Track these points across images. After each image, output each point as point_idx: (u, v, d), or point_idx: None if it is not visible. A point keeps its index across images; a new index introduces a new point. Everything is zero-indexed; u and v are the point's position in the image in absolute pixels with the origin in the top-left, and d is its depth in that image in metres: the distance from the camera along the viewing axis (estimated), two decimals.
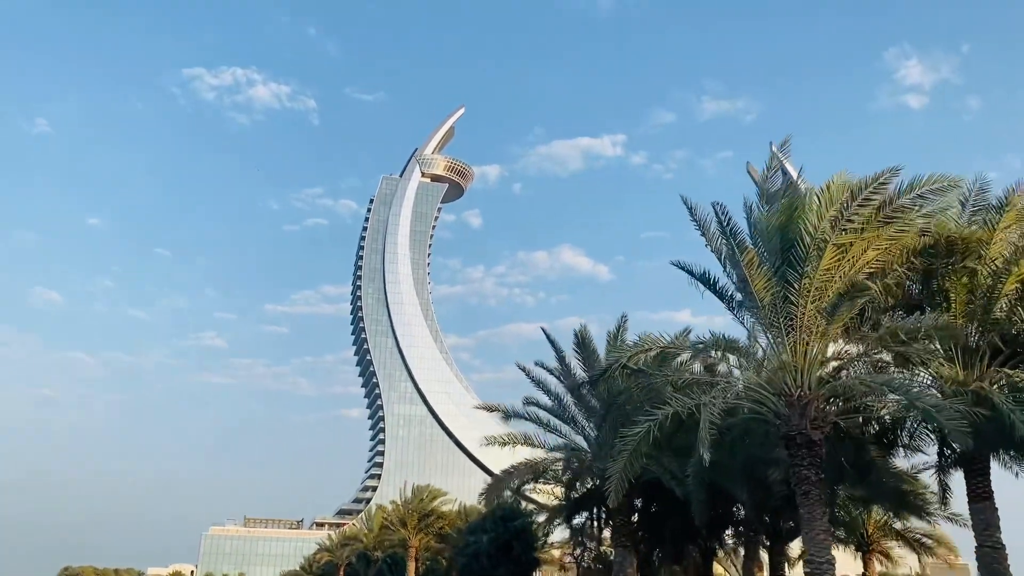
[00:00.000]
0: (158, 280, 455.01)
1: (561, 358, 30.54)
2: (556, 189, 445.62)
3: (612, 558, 28.28)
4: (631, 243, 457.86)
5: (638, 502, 33.25)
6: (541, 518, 45.42)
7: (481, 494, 34.13)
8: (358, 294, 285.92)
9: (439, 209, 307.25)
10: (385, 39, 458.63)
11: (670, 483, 26.08)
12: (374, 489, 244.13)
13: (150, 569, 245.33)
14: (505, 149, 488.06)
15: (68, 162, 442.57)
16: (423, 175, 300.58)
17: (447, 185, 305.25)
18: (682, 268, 21.32)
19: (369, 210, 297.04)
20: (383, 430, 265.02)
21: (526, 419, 30.73)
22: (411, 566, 74.41)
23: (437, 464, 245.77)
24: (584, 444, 30.56)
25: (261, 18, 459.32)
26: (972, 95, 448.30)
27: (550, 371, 30.89)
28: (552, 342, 30.76)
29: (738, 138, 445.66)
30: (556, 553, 54.55)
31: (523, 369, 31.12)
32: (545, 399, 30.93)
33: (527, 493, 41.85)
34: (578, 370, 29.72)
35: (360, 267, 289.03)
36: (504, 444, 31.04)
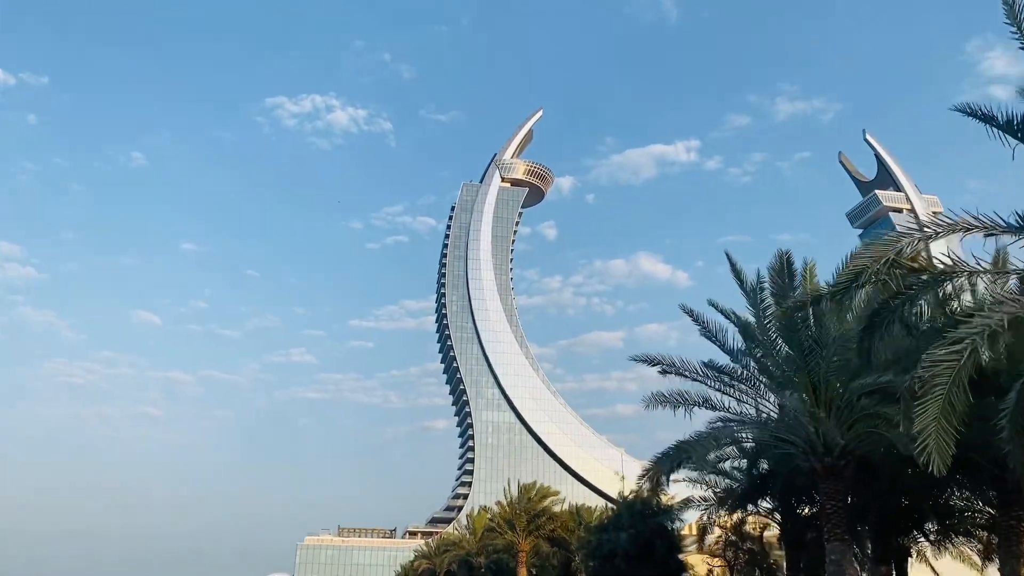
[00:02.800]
0: (248, 300, 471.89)
1: (756, 289, 24.43)
2: (630, 197, 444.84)
3: (829, 554, 22.86)
4: (709, 248, 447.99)
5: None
6: (689, 515, 40.53)
7: (641, 476, 28.74)
8: (442, 302, 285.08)
9: (520, 214, 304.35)
10: (456, 60, 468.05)
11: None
12: (465, 497, 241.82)
13: None
14: (578, 160, 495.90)
15: (162, 191, 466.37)
16: (503, 180, 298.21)
17: (527, 189, 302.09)
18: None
19: (451, 218, 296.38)
20: (472, 437, 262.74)
21: (687, 377, 25.24)
22: (522, 572, 70.09)
23: (527, 471, 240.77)
24: (774, 410, 25.20)
25: (337, 46, 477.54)
26: None
27: (727, 314, 25.56)
28: (734, 266, 25.27)
29: (816, 138, 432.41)
30: (694, 560, 48.64)
31: (689, 313, 26.13)
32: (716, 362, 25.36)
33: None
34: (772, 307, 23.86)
35: (443, 275, 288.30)
36: (677, 405, 25.37)
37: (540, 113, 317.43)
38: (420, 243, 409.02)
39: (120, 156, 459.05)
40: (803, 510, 35.23)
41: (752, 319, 24.22)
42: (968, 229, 14.70)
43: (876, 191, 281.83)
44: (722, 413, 25.21)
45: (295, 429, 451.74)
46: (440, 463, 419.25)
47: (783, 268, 23.43)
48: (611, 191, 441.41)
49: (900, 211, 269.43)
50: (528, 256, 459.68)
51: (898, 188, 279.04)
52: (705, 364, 25.11)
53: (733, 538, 41.99)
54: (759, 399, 24.96)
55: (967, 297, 20.86)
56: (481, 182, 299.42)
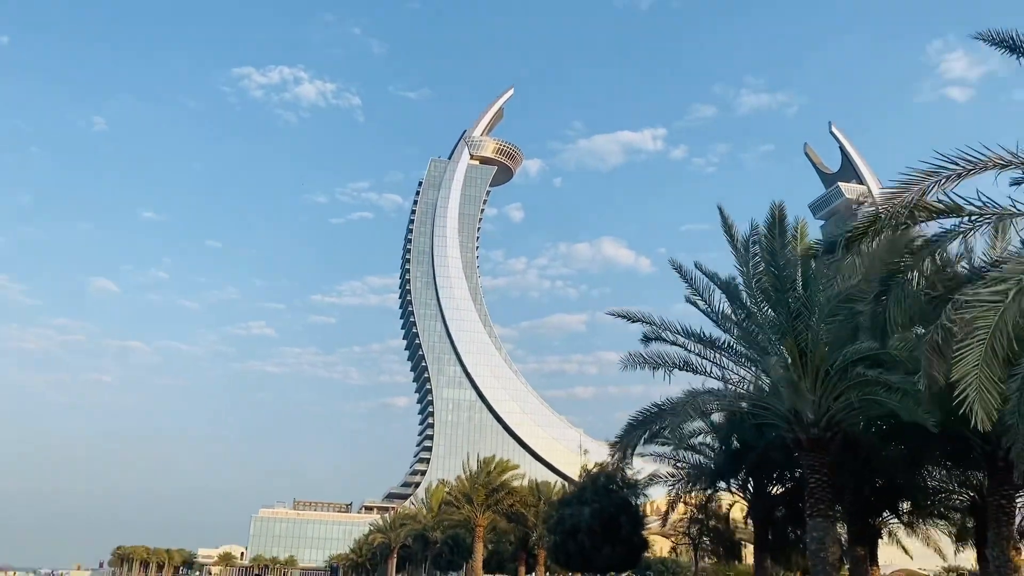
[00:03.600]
0: (209, 271, 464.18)
1: (747, 244, 22.41)
2: (597, 182, 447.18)
3: (811, 531, 21.27)
4: (673, 235, 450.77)
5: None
6: (654, 491, 39.02)
7: (613, 444, 26.98)
8: (407, 277, 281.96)
9: (488, 192, 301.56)
10: (428, 38, 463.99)
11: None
12: (423, 473, 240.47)
13: (201, 550, 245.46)
14: (546, 144, 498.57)
15: (124, 158, 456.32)
16: (472, 157, 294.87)
17: (496, 168, 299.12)
18: None
19: (418, 193, 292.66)
20: (431, 415, 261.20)
21: (667, 342, 23.48)
22: (478, 547, 68.65)
23: (486, 449, 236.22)
24: (756, 379, 23.50)
25: (307, 18, 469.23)
26: (1018, 88, 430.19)
27: (711, 276, 23.72)
28: (725, 220, 23.36)
29: (779, 131, 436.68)
30: (656, 538, 47.06)
31: (678, 269, 24.16)
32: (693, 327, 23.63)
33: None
34: (762, 265, 22.02)
35: (408, 250, 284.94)
36: (656, 366, 23.49)
37: (511, 92, 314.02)
38: (385, 220, 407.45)
39: (81, 120, 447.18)
40: (774, 488, 34.12)
41: (740, 279, 22.62)
42: (1004, 166, 13.13)
43: (839, 183, 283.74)
44: (704, 377, 23.61)
45: (252, 401, 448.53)
46: (400, 440, 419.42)
47: (776, 223, 21.81)
48: (579, 176, 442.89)
49: (862, 203, 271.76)
50: (494, 237, 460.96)
51: (861, 181, 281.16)
52: (687, 330, 23.44)
53: (699, 516, 40.69)
54: (741, 366, 23.42)
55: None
56: (450, 159, 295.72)
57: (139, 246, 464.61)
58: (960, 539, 35.70)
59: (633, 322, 24.04)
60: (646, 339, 23.79)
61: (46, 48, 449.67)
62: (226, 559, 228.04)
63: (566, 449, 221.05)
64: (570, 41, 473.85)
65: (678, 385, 24.64)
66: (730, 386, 24.03)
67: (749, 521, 37.70)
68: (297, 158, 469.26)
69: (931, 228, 15.41)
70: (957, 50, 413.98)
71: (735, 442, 31.68)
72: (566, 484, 69.28)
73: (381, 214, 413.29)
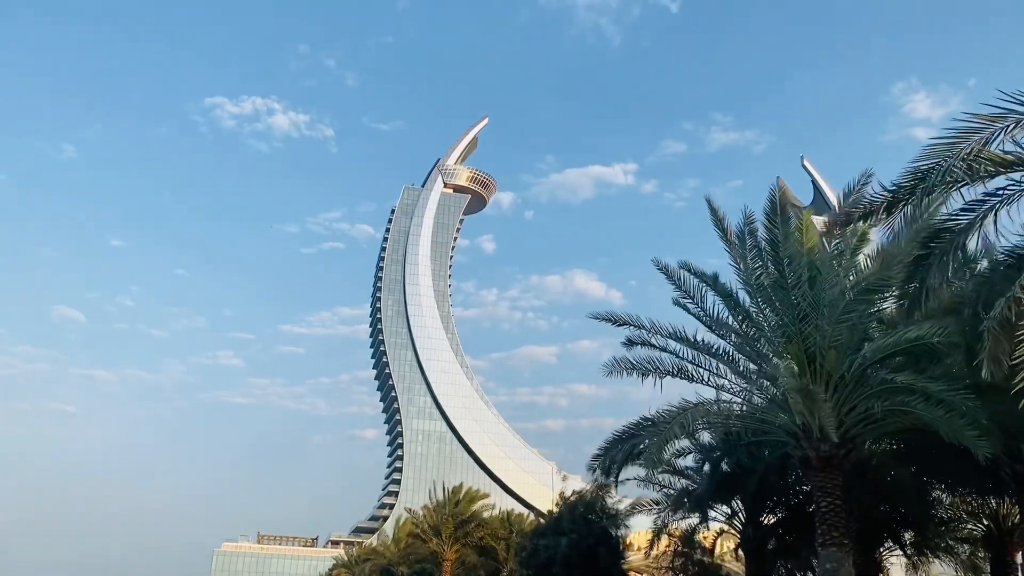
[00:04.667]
0: (177, 300, 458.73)
1: (741, 236, 19.63)
2: (568, 216, 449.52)
3: (823, 562, 18.28)
4: (644, 269, 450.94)
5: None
6: (635, 521, 36.00)
7: (591, 462, 23.69)
8: (377, 306, 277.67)
9: (461, 221, 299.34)
10: (401, 71, 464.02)
11: None
12: (391, 507, 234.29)
13: None
14: (518, 176, 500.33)
15: (93, 186, 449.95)
16: (445, 185, 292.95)
17: (469, 196, 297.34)
18: None
19: (390, 220, 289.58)
20: (401, 446, 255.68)
21: (656, 347, 20.69)
22: None
23: (457, 482, 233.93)
24: (755, 390, 20.49)
25: (281, 50, 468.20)
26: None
27: (702, 277, 20.84)
28: (715, 212, 20.68)
29: (747, 167, 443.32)
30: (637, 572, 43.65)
31: (663, 270, 21.26)
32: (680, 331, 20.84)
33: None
34: (760, 259, 19.14)
35: (380, 278, 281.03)
36: (645, 373, 20.59)
37: (485, 121, 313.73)
38: (357, 250, 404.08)
39: (49, 148, 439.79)
40: (766, 517, 31.34)
41: (737, 278, 20.02)
42: None
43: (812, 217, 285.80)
44: (697, 388, 20.90)
45: (217, 432, 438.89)
46: (368, 473, 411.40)
47: (776, 209, 19.29)
48: (550, 209, 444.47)
49: (831, 228, 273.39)
50: (466, 268, 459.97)
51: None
52: (679, 333, 20.71)
53: (684, 548, 37.58)
54: (739, 375, 20.79)
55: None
56: (423, 187, 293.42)
57: (106, 274, 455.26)
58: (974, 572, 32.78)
59: (619, 325, 21.39)
60: (630, 343, 21.08)
61: (15, 75, 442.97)
62: None
63: (538, 483, 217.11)
64: (542, 77, 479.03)
65: (661, 402, 21.96)
66: (725, 400, 21.33)
67: (737, 554, 34.88)
68: (268, 188, 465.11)
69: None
70: (920, 91, 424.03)
71: (726, 466, 28.81)
72: (539, 518, 66.10)
73: (353, 244, 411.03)
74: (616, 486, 28.22)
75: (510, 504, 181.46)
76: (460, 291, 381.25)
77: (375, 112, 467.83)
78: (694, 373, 21.05)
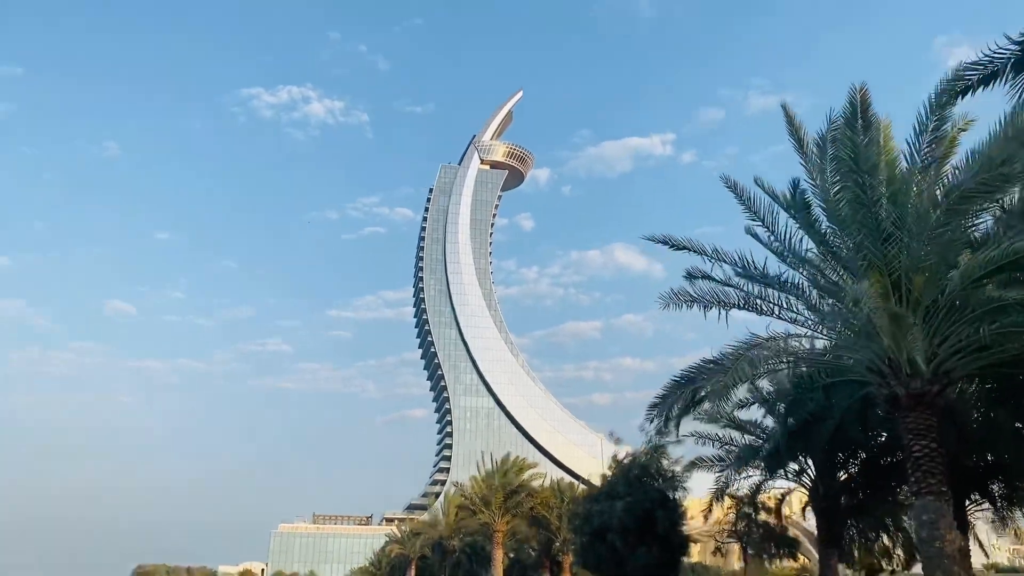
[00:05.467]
0: (224, 290, 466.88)
1: (821, 145, 17.29)
2: (606, 189, 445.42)
3: (919, 514, 16.09)
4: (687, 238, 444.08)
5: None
6: (694, 482, 33.81)
7: (648, 411, 21.54)
8: (420, 287, 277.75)
9: (499, 197, 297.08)
10: (431, 53, 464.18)
11: None
12: (443, 483, 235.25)
13: (221, 567, 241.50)
14: (554, 152, 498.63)
15: (137, 181, 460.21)
16: (482, 162, 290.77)
17: (507, 172, 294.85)
18: None
19: (429, 200, 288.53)
20: (450, 423, 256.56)
21: (718, 281, 18.53)
22: (498, 555, 63.42)
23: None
24: (833, 325, 18.15)
25: (314, 38, 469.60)
26: None
27: (774, 196, 18.72)
28: (791, 119, 18.56)
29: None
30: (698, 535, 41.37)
31: (732, 187, 19.23)
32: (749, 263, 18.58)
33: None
34: (839, 174, 16.68)
35: (421, 259, 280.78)
36: (708, 305, 18.18)
37: (520, 94, 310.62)
38: (397, 233, 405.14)
39: (93, 146, 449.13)
40: (841, 472, 29.05)
41: (811, 196, 17.74)
42: None
43: None
44: (768, 321, 18.69)
45: (270, 417, 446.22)
46: (419, 451, 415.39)
47: (857, 114, 16.92)
48: (588, 183, 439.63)
49: None
50: (505, 246, 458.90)
51: None
52: (748, 262, 18.38)
53: (747, 510, 35.45)
54: (812, 309, 18.55)
55: None
56: (460, 164, 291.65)
57: (155, 267, 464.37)
58: None
59: (677, 249, 19.20)
60: (690, 276, 18.94)
61: (58, 76, 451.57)
62: None
63: (587, 455, 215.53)
64: (574, 50, 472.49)
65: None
66: (796, 336, 19.03)
67: (804, 514, 32.65)
68: (307, 176, 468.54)
69: None
70: (962, 45, 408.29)
71: (800, 413, 26.25)
72: (590, 487, 64.36)
73: (393, 228, 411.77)
74: (677, 435, 26.08)
75: (560, 477, 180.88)
76: (501, 270, 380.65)
77: (408, 95, 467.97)
78: (763, 307, 18.80)
